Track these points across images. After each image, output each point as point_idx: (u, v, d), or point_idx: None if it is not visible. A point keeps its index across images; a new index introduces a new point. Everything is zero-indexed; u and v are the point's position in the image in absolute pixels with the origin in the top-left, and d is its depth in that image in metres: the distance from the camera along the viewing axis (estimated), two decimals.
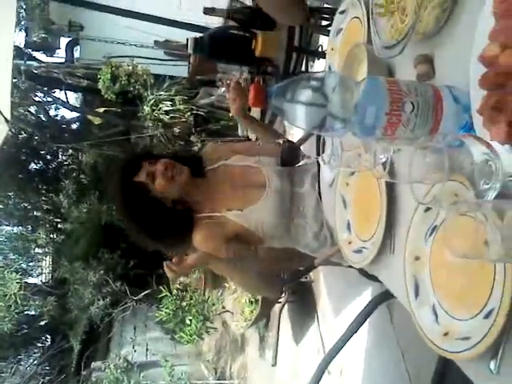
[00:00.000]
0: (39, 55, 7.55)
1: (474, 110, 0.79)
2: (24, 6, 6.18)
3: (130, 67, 5.59)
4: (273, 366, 4.81)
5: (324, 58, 2.92)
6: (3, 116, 3.21)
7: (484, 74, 0.73)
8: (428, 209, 0.96)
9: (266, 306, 4.50)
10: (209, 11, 2.32)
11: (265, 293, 2.35)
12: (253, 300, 4.62)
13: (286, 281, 2.91)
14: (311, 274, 4.06)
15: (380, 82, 0.78)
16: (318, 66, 3.70)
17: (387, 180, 0.89)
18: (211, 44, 2.25)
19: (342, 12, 1.39)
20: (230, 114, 3.29)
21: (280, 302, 4.68)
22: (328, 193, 1.51)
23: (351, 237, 1.31)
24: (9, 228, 8.98)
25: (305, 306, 4.46)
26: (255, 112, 2.60)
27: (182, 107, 5.48)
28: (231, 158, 1.79)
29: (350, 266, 1.46)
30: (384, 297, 1.57)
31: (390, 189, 1.12)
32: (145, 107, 5.52)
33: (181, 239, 1.71)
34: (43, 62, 7.09)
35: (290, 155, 1.47)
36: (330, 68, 1.47)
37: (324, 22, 2.66)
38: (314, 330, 4.31)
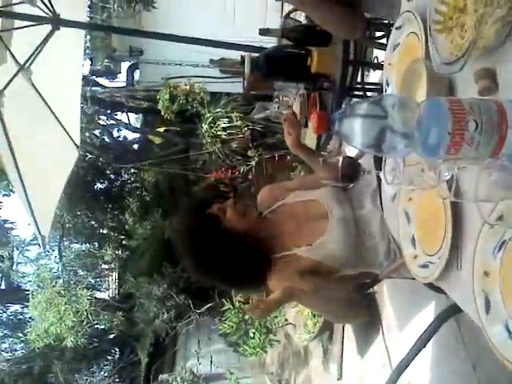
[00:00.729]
0: (102, 80, 7.99)
1: None
2: (88, 37, 6.57)
3: (188, 86, 5.79)
4: (338, 379, 4.75)
5: (380, 69, 2.92)
6: (74, 142, 3.42)
7: None
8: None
9: None
10: (264, 32, 2.39)
11: (352, 319, 2.28)
12: (315, 313, 4.59)
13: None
14: None
15: (441, 102, 0.80)
16: (374, 77, 3.68)
17: (452, 200, 0.89)
18: (267, 63, 2.32)
19: (399, 27, 1.40)
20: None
21: None
22: (391, 207, 1.51)
23: (416, 251, 1.31)
24: (78, 246, 9.44)
25: (369, 319, 4.38)
26: (310, 130, 2.63)
27: (238, 123, 5.59)
28: (288, 197, 1.81)
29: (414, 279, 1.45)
30: (452, 311, 1.54)
31: (455, 203, 1.11)
32: (203, 125, 5.68)
33: (255, 276, 1.71)
34: (106, 87, 7.47)
35: (350, 171, 1.48)
36: (387, 83, 1.48)
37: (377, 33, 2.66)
38: (379, 343, 4.23)
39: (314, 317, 4.64)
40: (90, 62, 7.14)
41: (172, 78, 6.13)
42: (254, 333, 5.65)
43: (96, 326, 8.02)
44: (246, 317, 5.74)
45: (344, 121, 0.81)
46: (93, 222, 8.72)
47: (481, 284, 0.98)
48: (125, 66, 7.71)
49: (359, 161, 1.80)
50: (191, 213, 1.77)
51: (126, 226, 8.52)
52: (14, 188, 3.19)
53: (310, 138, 2.73)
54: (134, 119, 8.53)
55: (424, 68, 1.12)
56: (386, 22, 2.46)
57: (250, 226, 1.72)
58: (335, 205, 1.72)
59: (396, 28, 1.42)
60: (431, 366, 3.11)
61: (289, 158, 5.46)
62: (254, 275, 1.71)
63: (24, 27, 2.52)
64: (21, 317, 9.74)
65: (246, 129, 5.71)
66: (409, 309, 3.64)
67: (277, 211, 1.80)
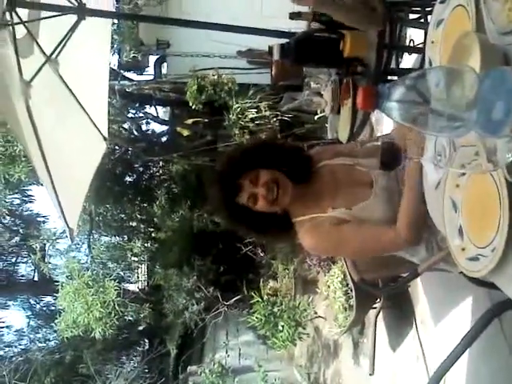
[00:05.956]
0: (130, 74, 7.99)
1: None
2: (116, 30, 6.57)
3: (215, 77, 5.73)
4: (370, 375, 4.66)
5: (416, 52, 2.79)
6: (102, 134, 3.39)
7: None
8: None
9: (360, 312, 4.37)
10: (295, 16, 2.30)
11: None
12: (346, 306, 4.51)
13: (385, 289, 2.79)
14: None
15: (507, 72, 0.70)
16: (409, 61, 3.55)
17: None
18: (298, 49, 2.23)
19: (443, 1, 1.30)
20: (316, 117, 3.25)
21: (375, 308, 4.53)
22: (434, 196, 1.41)
23: (464, 243, 1.21)
24: (107, 238, 9.56)
25: (402, 312, 4.28)
26: (346, 111, 2.52)
27: (267, 114, 5.52)
28: (333, 159, 1.75)
29: (461, 273, 1.35)
30: (501, 308, 1.44)
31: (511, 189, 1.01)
32: (231, 116, 5.62)
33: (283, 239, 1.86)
34: (134, 81, 7.47)
35: (390, 157, 1.38)
36: (430, 62, 1.38)
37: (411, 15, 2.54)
38: (412, 337, 4.13)
39: (345, 310, 4.56)
40: (117, 56, 7.15)
41: (200, 70, 6.08)
42: (282, 326, 5.59)
43: (125, 318, 8.09)
44: (275, 309, 5.69)
45: (393, 95, 0.72)
46: (122, 215, 8.79)
47: None
48: (152, 59, 7.71)
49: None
50: (220, 203, 1.72)
51: (155, 219, 8.56)
52: (41, 180, 3.17)
53: (342, 127, 2.63)
54: (162, 112, 8.54)
55: (477, 41, 1.01)
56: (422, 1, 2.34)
57: (283, 207, 1.68)
58: (381, 174, 1.63)
59: (440, 2, 1.32)
60: (469, 362, 2.99)
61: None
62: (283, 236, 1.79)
63: (49, 17, 2.49)
64: (53, 308, 9.93)
65: (274, 119, 5.63)
66: (444, 302, 3.53)
67: (319, 171, 1.74)
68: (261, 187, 1.62)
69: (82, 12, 2.50)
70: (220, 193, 1.69)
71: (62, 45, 2.58)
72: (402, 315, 4.29)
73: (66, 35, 2.52)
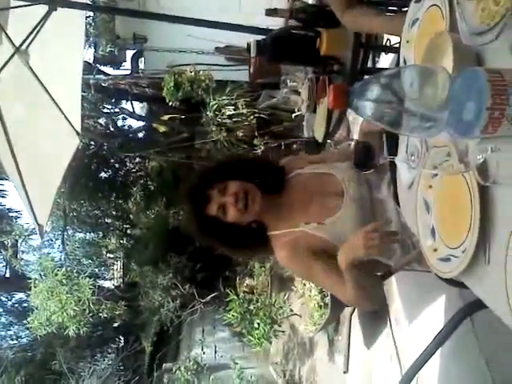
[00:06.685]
0: (106, 69, 7.85)
1: None
2: (92, 23, 6.44)
3: (193, 73, 5.67)
4: (345, 372, 4.68)
5: (392, 52, 2.80)
6: (74, 129, 3.32)
7: None
8: None
9: (335, 310, 4.39)
10: (271, 13, 2.28)
11: (363, 306, 1.86)
12: (322, 304, 4.52)
13: None
14: None
15: (479, 73, 0.69)
16: (385, 61, 3.57)
17: (485, 184, 0.79)
18: (274, 46, 2.21)
19: (418, 1, 1.29)
20: (293, 115, 3.23)
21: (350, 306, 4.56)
22: (407, 196, 1.41)
23: (436, 244, 1.21)
24: (81, 235, 9.40)
25: (376, 311, 4.31)
26: (322, 110, 2.51)
27: (244, 111, 5.49)
28: (305, 168, 1.73)
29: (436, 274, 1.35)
30: (472, 309, 1.44)
31: (484, 190, 1.01)
32: (208, 113, 5.58)
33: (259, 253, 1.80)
34: (110, 75, 7.35)
35: (364, 156, 1.37)
36: (405, 62, 1.37)
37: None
38: (386, 335, 4.16)
39: (321, 308, 4.57)
40: (93, 50, 7.02)
41: (177, 66, 6.01)
42: (258, 323, 5.59)
43: (100, 315, 7.98)
44: (251, 307, 5.68)
45: (364, 94, 0.70)
46: (96, 211, 8.66)
47: None
48: (129, 54, 7.59)
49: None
50: (190, 214, 1.70)
51: (130, 215, 8.46)
52: (9, 175, 3.09)
53: (318, 125, 2.62)
54: (139, 108, 8.42)
55: (450, 41, 1.01)
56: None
57: (254, 216, 1.66)
58: (352, 183, 1.62)
59: (415, 1, 1.31)
60: (441, 360, 3.03)
61: (295, 146, 5.36)
62: (257, 250, 1.79)
63: (19, 7, 2.41)
64: (25, 305, 9.74)
65: (251, 117, 5.60)
66: (417, 301, 3.56)
67: (290, 181, 1.72)
68: (229, 196, 1.61)
69: (54, 2, 2.43)
70: (190, 205, 1.67)
71: (32, 36, 2.51)
72: (376, 314, 4.31)
73: (37, 26, 2.45)
